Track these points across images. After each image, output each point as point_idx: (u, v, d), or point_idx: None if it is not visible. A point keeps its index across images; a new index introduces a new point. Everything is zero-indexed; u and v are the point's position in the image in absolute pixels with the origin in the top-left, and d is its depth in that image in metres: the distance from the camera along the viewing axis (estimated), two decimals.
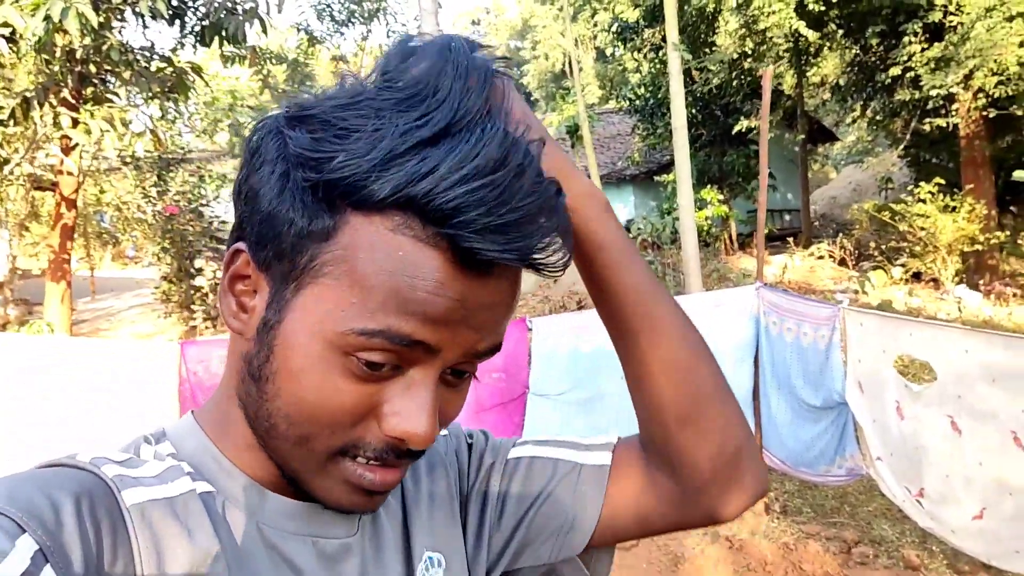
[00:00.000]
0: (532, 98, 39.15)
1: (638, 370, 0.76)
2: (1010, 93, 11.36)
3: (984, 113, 12.46)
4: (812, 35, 14.01)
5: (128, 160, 11.41)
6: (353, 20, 15.39)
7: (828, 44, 16.05)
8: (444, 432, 0.85)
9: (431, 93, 0.57)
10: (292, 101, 0.62)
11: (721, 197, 15.36)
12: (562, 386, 4.86)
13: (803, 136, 17.92)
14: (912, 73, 12.84)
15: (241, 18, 8.91)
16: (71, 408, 4.13)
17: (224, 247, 0.64)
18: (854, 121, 18.80)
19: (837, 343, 4.44)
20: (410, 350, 0.58)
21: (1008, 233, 12.45)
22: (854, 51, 16.06)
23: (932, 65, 12.45)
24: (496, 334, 0.63)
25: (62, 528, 0.51)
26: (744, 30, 14.60)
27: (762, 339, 4.79)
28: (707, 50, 16.24)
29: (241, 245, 0.62)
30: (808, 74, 18.08)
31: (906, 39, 12.87)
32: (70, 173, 8.56)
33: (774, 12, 13.48)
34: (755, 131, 13.48)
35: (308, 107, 0.59)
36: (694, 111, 16.80)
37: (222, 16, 8.95)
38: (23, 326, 8.70)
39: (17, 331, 8.26)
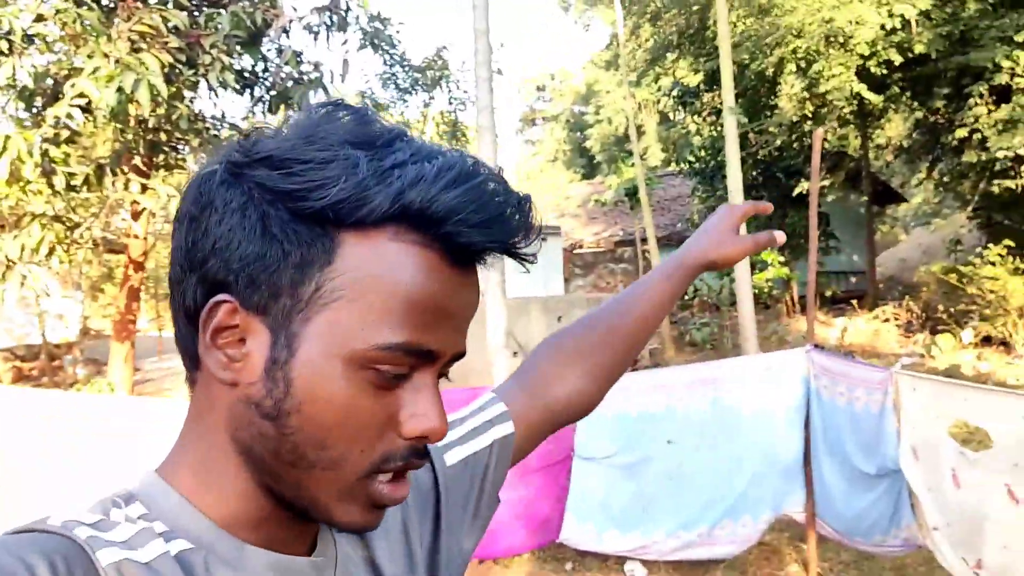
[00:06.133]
0: (595, 161, 39.42)
1: (653, 323, 1.11)
2: None
3: None
4: (875, 98, 13.91)
5: None
6: (416, 88, 15.79)
7: (892, 106, 15.89)
8: None
9: (378, 128, 0.63)
10: (228, 154, 0.63)
11: (782, 259, 15.17)
12: (608, 449, 4.78)
13: (867, 198, 17.67)
14: (979, 135, 12.64)
15: (306, 87, 9.26)
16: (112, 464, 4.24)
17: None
18: (920, 183, 18.49)
19: (890, 408, 4.30)
20: (420, 358, 0.63)
21: None
22: (920, 113, 15.86)
23: (1000, 127, 12.26)
24: (465, 339, 0.68)
25: None
26: (805, 93, 14.57)
27: (813, 403, 4.66)
28: (767, 113, 16.22)
29: (223, 296, 0.61)
30: (872, 135, 17.88)
31: (972, 100, 12.70)
32: (136, 236, 8.90)
33: (835, 75, 13.44)
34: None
35: (262, 151, 0.60)
36: (755, 173, 16.71)
37: (288, 86, 9.33)
38: (87, 385, 8.97)
39: (79, 390, 8.52)
